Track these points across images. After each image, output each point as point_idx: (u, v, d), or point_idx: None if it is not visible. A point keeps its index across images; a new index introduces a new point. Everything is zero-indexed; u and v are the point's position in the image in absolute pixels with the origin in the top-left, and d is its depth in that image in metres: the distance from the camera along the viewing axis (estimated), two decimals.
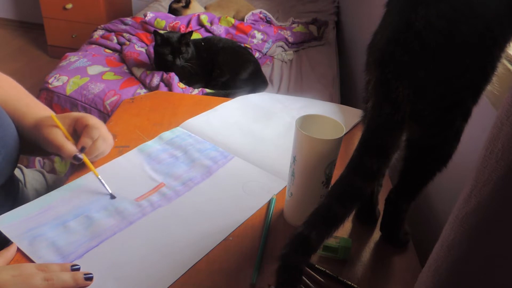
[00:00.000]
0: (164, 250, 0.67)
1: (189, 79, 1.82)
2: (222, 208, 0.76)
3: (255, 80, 1.86)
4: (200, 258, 0.66)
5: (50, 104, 1.77)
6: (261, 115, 1.06)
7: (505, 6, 0.50)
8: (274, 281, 0.54)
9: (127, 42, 2.10)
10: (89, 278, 0.60)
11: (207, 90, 1.78)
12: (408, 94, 0.51)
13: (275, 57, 2.18)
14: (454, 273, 0.42)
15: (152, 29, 2.13)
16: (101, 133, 0.79)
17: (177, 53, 1.75)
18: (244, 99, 1.13)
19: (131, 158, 0.86)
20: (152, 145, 0.90)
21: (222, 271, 0.65)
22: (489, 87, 0.55)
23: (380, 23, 0.58)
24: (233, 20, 2.28)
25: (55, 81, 1.80)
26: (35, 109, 0.84)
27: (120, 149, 0.88)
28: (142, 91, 1.76)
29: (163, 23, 2.22)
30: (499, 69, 0.54)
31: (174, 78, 1.76)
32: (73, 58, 1.96)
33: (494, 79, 0.54)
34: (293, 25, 2.45)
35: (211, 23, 2.26)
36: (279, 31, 2.29)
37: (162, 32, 1.80)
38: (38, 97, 1.78)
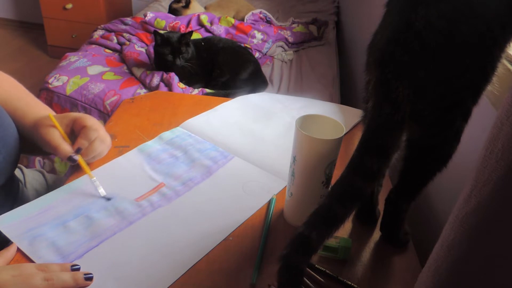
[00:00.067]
0: (164, 250, 0.67)
1: (189, 79, 1.82)
2: (222, 208, 0.76)
3: (255, 80, 1.86)
4: (200, 258, 0.66)
5: (50, 104, 1.77)
6: (261, 115, 1.06)
7: (505, 6, 0.50)
8: (276, 282, 0.54)
9: (127, 42, 2.10)
10: (89, 278, 0.60)
11: (207, 90, 1.78)
12: (408, 94, 0.51)
13: (275, 57, 2.18)
14: (454, 273, 0.42)
15: (152, 29, 2.13)
16: (99, 134, 0.79)
17: (177, 53, 1.75)
18: (244, 99, 1.13)
19: (131, 158, 0.86)
20: (152, 145, 0.90)
21: (222, 271, 0.65)
22: (489, 87, 0.55)
23: (380, 23, 0.58)
24: (233, 20, 2.28)
25: (55, 81, 1.80)
26: (35, 108, 0.84)
27: (120, 149, 0.88)
28: (142, 91, 1.76)
29: (163, 23, 2.22)
30: (499, 69, 0.54)
31: (174, 78, 1.76)
32: (73, 58, 1.96)
33: (494, 79, 0.54)
34: (293, 25, 2.45)
35: (211, 23, 2.26)
36: (279, 31, 2.29)
37: (162, 32, 1.80)
38: (38, 97, 1.77)
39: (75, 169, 0.82)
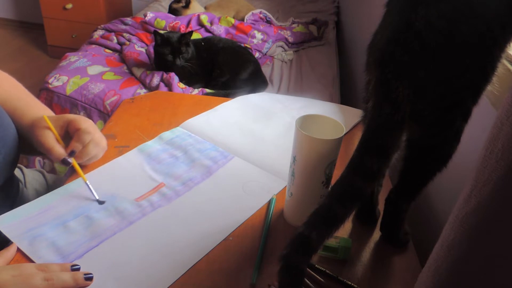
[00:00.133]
0: (164, 250, 0.67)
1: (189, 79, 1.82)
2: (222, 208, 0.76)
3: (255, 80, 1.86)
4: (200, 258, 0.66)
5: (50, 104, 1.77)
6: (261, 115, 1.06)
7: (505, 6, 0.50)
8: (276, 282, 0.54)
9: (127, 42, 2.10)
10: (89, 278, 0.60)
11: (207, 90, 1.78)
12: (408, 94, 0.51)
13: (275, 57, 2.18)
14: (454, 273, 0.42)
15: (152, 29, 2.13)
16: (93, 137, 0.78)
17: (177, 53, 1.75)
18: (244, 99, 1.13)
19: (131, 158, 0.86)
20: (152, 145, 0.90)
21: (222, 271, 0.65)
22: (489, 87, 0.55)
23: (380, 23, 0.58)
24: (233, 20, 2.28)
25: (55, 81, 1.80)
26: (34, 108, 0.84)
27: (120, 149, 0.88)
28: (142, 91, 1.76)
29: (163, 23, 2.22)
30: (499, 69, 0.54)
31: (174, 78, 1.76)
32: (73, 58, 1.96)
33: (494, 79, 0.54)
34: (293, 25, 2.45)
35: (211, 23, 2.26)
36: (279, 31, 2.29)
37: (162, 32, 1.80)
38: (38, 97, 1.77)
39: (74, 170, 0.82)
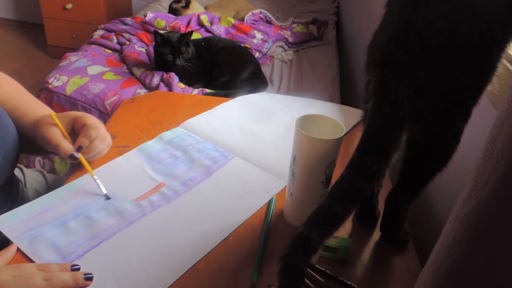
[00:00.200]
0: (164, 250, 0.67)
1: (189, 79, 1.82)
2: (222, 208, 0.76)
3: (255, 80, 1.86)
4: (200, 258, 0.66)
5: (50, 104, 1.77)
6: (261, 115, 1.06)
7: (505, 6, 0.50)
8: (276, 282, 0.54)
9: (127, 42, 2.10)
10: (89, 278, 0.60)
11: (207, 90, 1.78)
12: (408, 94, 0.51)
13: (275, 57, 2.18)
14: (454, 273, 0.42)
15: (152, 29, 2.13)
16: (99, 133, 0.79)
17: (177, 53, 1.75)
18: (244, 99, 1.13)
19: (131, 158, 0.86)
20: (152, 145, 0.90)
21: (222, 271, 0.65)
22: (489, 87, 0.55)
23: (380, 23, 0.58)
24: (233, 20, 2.28)
25: (55, 81, 1.80)
26: (35, 108, 0.84)
27: (120, 149, 0.88)
28: (142, 91, 1.76)
29: (163, 23, 2.22)
30: (499, 69, 0.54)
31: (174, 78, 1.76)
32: (73, 58, 1.96)
33: (494, 79, 0.54)
34: (293, 25, 2.45)
35: (211, 23, 2.26)
36: (279, 31, 2.29)
37: (162, 32, 1.80)
38: (38, 97, 1.77)
39: (75, 169, 0.82)
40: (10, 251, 0.63)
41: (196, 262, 0.65)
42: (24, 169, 0.96)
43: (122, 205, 0.74)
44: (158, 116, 1.02)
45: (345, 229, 0.74)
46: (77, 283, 0.59)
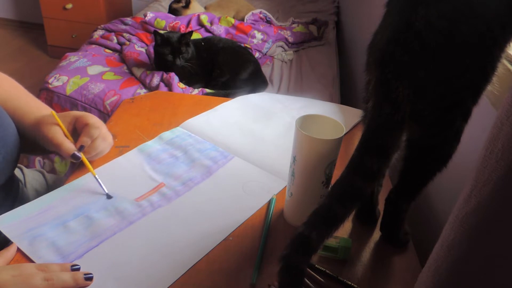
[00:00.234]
0: (164, 250, 0.67)
1: (189, 79, 1.82)
2: (222, 208, 0.76)
3: (255, 80, 1.86)
4: (200, 258, 0.66)
5: (50, 104, 1.77)
6: (261, 115, 1.06)
7: (505, 6, 0.50)
8: (277, 282, 0.54)
9: (127, 42, 2.10)
10: (89, 278, 0.60)
11: (207, 90, 1.78)
12: (408, 94, 0.51)
13: (275, 57, 2.18)
14: (454, 273, 0.42)
15: (152, 29, 2.13)
16: (101, 132, 0.79)
17: (177, 53, 1.75)
18: (244, 99, 1.13)
19: (131, 158, 0.86)
20: (152, 145, 0.90)
21: (222, 271, 0.65)
22: (489, 87, 0.55)
23: (380, 23, 0.58)
24: (233, 20, 2.28)
25: (55, 81, 1.80)
26: (35, 108, 0.85)
27: (120, 149, 0.88)
28: (142, 91, 1.76)
29: (163, 23, 2.22)
30: (499, 69, 0.54)
31: (174, 78, 1.76)
32: (73, 58, 1.96)
33: (494, 79, 0.54)
34: (293, 25, 2.45)
35: (211, 23, 2.26)
36: (279, 31, 2.29)
37: (162, 32, 1.80)
38: (38, 97, 1.77)
39: (75, 169, 0.82)
40: (10, 251, 0.63)
41: (196, 262, 0.65)
42: (24, 169, 0.96)
43: (122, 205, 0.74)
44: (158, 116, 1.02)
45: (345, 229, 0.74)
46: (77, 283, 0.59)
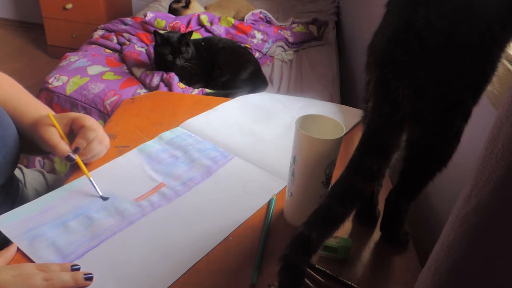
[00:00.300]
0: (164, 250, 0.67)
1: (189, 79, 1.82)
2: (222, 208, 0.76)
3: (255, 80, 1.86)
4: (200, 258, 0.66)
5: (50, 104, 1.77)
6: (261, 115, 1.06)
7: (505, 6, 0.50)
8: (277, 282, 0.54)
9: (127, 42, 2.10)
10: (89, 278, 0.60)
11: (207, 90, 1.78)
12: (408, 94, 0.51)
13: (275, 57, 2.18)
14: (454, 273, 0.42)
15: (152, 29, 2.13)
16: (97, 135, 0.79)
17: (177, 53, 1.75)
18: (244, 99, 1.13)
19: (131, 158, 0.86)
20: (152, 145, 0.90)
21: (222, 271, 0.65)
22: (489, 87, 0.55)
23: (380, 23, 0.58)
24: (233, 20, 2.28)
25: (55, 81, 1.80)
26: (34, 108, 0.85)
27: (120, 149, 0.88)
28: (142, 91, 1.76)
29: (163, 23, 2.22)
30: (499, 69, 0.54)
31: (174, 78, 1.76)
32: (73, 58, 1.96)
33: (494, 79, 0.54)
34: (293, 25, 2.45)
35: (211, 23, 2.26)
36: (279, 31, 2.29)
37: (162, 32, 1.80)
38: (38, 97, 1.78)
39: (75, 169, 0.82)
40: (10, 251, 0.63)
41: (196, 262, 0.65)
42: (24, 169, 0.96)
43: (122, 205, 0.74)
44: (158, 116, 1.02)
45: (345, 229, 0.74)
46: (77, 283, 0.59)
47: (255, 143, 0.95)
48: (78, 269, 0.61)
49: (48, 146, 0.76)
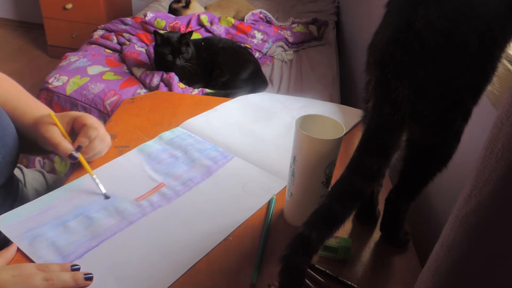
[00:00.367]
0: (164, 250, 0.67)
1: (189, 79, 1.82)
2: (222, 208, 0.76)
3: (255, 80, 1.86)
4: (200, 258, 0.66)
5: (50, 104, 1.77)
6: (261, 115, 1.06)
7: (505, 6, 0.50)
8: (277, 283, 0.54)
9: (127, 42, 2.10)
10: (89, 278, 0.60)
11: (207, 90, 1.78)
12: (408, 94, 0.51)
13: (275, 57, 2.18)
14: (454, 273, 0.42)
15: (152, 29, 2.13)
16: (99, 133, 0.79)
17: (177, 53, 1.75)
18: (244, 99, 1.13)
19: (131, 158, 0.86)
20: (152, 145, 0.90)
21: (222, 271, 0.65)
22: (489, 87, 0.55)
23: (380, 23, 0.58)
24: (233, 20, 2.28)
25: (55, 81, 1.80)
26: (34, 108, 0.85)
27: (120, 149, 0.88)
28: (142, 91, 1.76)
29: (163, 23, 2.22)
30: (499, 69, 0.54)
31: (174, 78, 1.76)
32: (73, 58, 1.96)
33: (494, 79, 0.54)
34: (293, 25, 2.45)
35: (211, 23, 2.26)
36: (279, 31, 2.29)
37: (162, 32, 1.80)
38: (38, 97, 1.78)
39: (75, 169, 0.82)
40: (10, 251, 0.63)
41: (196, 262, 0.65)
42: (24, 169, 0.96)
43: (122, 205, 0.74)
44: (158, 116, 1.02)
45: (345, 229, 0.74)
46: (77, 283, 0.59)
47: (255, 143, 0.95)
48: (78, 269, 0.61)
49: (50, 145, 0.76)
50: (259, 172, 0.86)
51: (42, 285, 0.56)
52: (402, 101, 0.51)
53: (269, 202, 0.78)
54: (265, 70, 2.01)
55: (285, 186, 0.78)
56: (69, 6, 3.07)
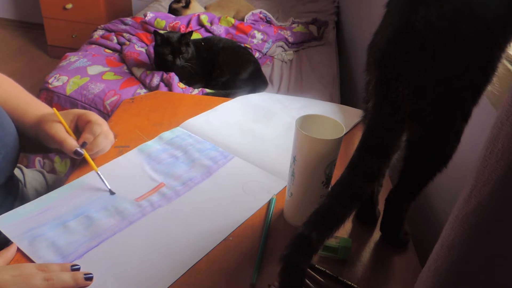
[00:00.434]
0: (164, 250, 0.67)
1: (189, 79, 1.82)
2: (222, 208, 0.76)
3: (255, 80, 1.86)
4: (200, 258, 0.66)
5: (50, 104, 1.76)
6: (261, 115, 1.06)
7: (505, 6, 0.50)
8: (277, 283, 0.54)
9: (127, 42, 2.10)
10: (89, 278, 0.60)
11: (207, 90, 1.78)
12: (408, 94, 0.51)
13: (275, 57, 2.18)
14: (454, 273, 0.42)
15: (152, 29, 2.13)
16: (103, 129, 0.80)
17: (177, 53, 1.75)
18: (244, 99, 1.13)
19: (131, 158, 0.86)
20: (152, 145, 0.90)
21: (222, 271, 0.65)
22: (489, 87, 0.55)
23: (380, 23, 0.58)
24: (233, 20, 2.28)
25: (55, 81, 1.80)
26: (35, 107, 0.85)
27: (120, 149, 0.88)
28: (142, 91, 1.76)
29: (163, 23, 2.22)
30: (499, 69, 0.54)
31: (174, 78, 1.76)
32: (73, 58, 1.96)
33: (494, 79, 0.54)
34: (293, 25, 2.45)
35: (211, 23, 2.26)
36: (279, 31, 2.29)
37: (162, 32, 1.80)
38: (38, 97, 1.77)
39: (75, 169, 0.82)
40: (10, 251, 0.63)
41: (196, 262, 0.65)
42: (24, 169, 0.96)
43: (122, 205, 0.74)
44: (158, 116, 1.02)
45: (345, 229, 0.74)
46: (77, 283, 0.59)
47: (255, 143, 0.95)
48: (78, 269, 0.61)
49: (55, 142, 0.76)
50: (259, 172, 0.86)
51: (42, 285, 0.56)
52: (402, 101, 0.51)
53: (269, 202, 0.78)
54: (265, 70, 2.01)
55: (285, 186, 0.78)
56: (69, 6, 3.07)
